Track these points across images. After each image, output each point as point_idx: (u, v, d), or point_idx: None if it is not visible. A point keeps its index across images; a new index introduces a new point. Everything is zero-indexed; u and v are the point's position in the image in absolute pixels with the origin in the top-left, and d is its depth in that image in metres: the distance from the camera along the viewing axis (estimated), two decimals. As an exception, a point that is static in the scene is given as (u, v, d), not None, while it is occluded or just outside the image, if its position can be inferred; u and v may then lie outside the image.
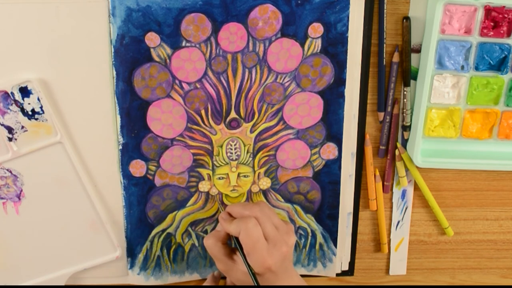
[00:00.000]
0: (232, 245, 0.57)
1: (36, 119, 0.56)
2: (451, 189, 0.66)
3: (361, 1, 0.57)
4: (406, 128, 0.63)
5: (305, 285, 0.57)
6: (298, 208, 0.64)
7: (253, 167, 0.62)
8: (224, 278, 0.66)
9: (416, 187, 0.66)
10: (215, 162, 0.61)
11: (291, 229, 0.55)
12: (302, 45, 0.57)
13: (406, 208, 0.67)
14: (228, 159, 0.61)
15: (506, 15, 0.57)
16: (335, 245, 0.66)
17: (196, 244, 0.64)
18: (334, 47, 0.57)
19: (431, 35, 0.57)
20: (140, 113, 0.58)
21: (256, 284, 0.51)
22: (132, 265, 0.63)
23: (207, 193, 0.62)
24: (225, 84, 0.58)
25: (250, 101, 0.59)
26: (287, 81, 0.58)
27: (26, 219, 0.60)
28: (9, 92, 0.55)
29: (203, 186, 0.62)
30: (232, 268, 0.55)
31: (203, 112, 0.59)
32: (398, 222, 0.67)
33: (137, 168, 0.60)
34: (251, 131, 0.60)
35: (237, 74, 0.57)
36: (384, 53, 0.59)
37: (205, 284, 0.65)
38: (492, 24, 0.58)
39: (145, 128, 0.58)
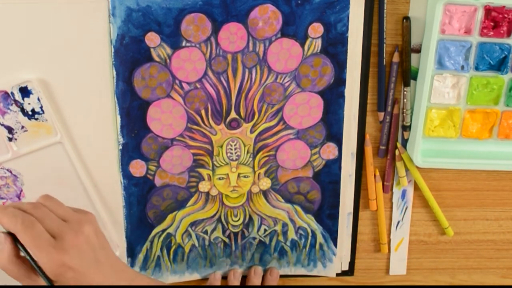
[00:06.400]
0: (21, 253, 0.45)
1: (36, 119, 0.56)
2: (451, 189, 0.66)
3: (361, 1, 0.57)
4: (406, 128, 0.62)
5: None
6: (298, 208, 0.64)
7: (253, 167, 0.61)
8: (224, 278, 0.66)
9: (416, 187, 0.66)
10: (215, 162, 0.61)
11: (86, 217, 0.48)
12: (302, 45, 0.57)
13: (406, 208, 0.67)
14: (228, 159, 0.61)
15: (506, 15, 0.57)
16: (335, 245, 0.66)
17: (196, 244, 0.64)
18: (334, 47, 0.57)
19: (431, 35, 0.57)
20: (140, 113, 0.58)
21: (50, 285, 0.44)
22: (132, 265, 0.63)
23: (207, 194, 0.62)
24: (225, 84, 0.58)
25: (250, 101, 0.59)
26: (287, 81, 0.58)
27: (26, 219, 0.60)
28: (9, 92, 0.55)
29: (203, 186, 0.62)
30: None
31: (203, 112, 0.59)
32: (398, 222, 0.67)
33: (137, 168, 0.60)
34: (251, 131, 0.60)
35: (237, 74, 0.57)
36: (384, 53, 0.59)
37: (206, 284, 0.65)
38: (492, 24, 0.58)
39: (145, 128, 0.58)
